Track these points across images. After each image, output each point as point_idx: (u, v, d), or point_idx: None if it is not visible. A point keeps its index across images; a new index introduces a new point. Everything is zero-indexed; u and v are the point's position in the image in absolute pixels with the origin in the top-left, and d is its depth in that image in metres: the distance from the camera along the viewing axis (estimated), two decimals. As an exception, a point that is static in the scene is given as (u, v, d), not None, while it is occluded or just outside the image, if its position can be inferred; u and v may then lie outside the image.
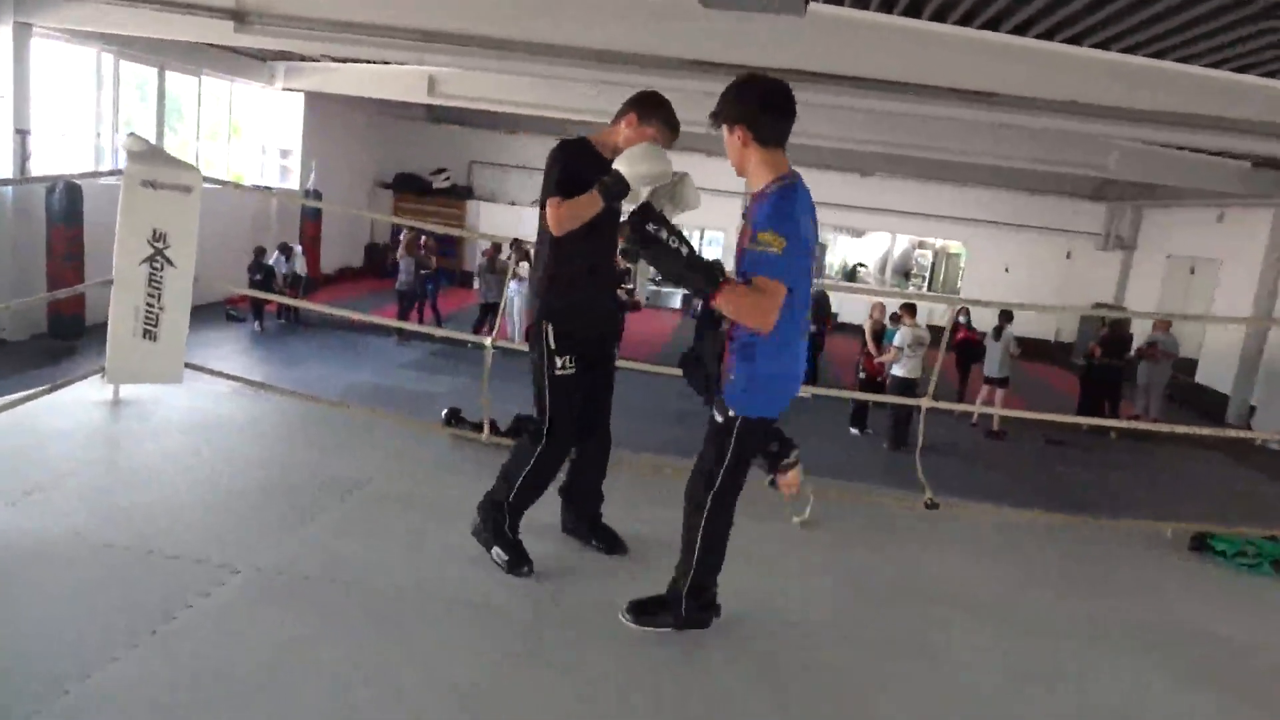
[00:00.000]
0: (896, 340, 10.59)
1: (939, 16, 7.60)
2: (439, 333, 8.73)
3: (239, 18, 8.82)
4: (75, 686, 2.36)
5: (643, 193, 2.90)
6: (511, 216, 19.45)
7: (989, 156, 13.66)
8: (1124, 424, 10.03)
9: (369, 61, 14.02)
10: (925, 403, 4.45)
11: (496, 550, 3.21)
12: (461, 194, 20.88)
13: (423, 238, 14.28)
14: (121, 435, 4.40)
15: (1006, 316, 12.09)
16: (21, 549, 3.07)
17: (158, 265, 4.44)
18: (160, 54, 12.92)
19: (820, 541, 4.00)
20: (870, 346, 11.30)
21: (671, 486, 4.20)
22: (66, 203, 10.72)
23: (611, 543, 3.51)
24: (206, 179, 4.70)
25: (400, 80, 14.48)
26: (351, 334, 13.69)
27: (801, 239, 2.56)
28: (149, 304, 4.46)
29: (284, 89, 15.83)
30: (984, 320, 13.72)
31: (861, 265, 22.62)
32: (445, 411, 4.90)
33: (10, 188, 10.79)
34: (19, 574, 2.92)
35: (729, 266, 2.70)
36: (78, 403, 4.59)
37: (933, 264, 22.54)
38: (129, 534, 3.24)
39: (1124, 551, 4.44)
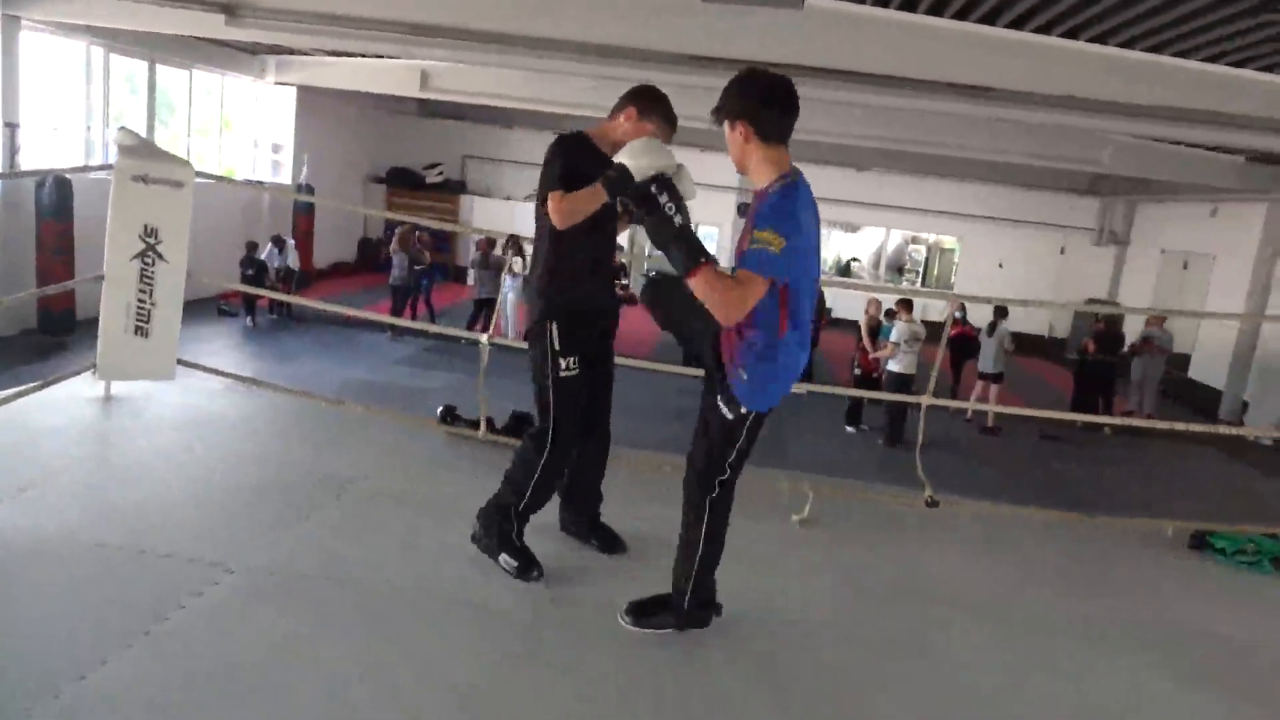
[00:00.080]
0: (893, 336, 10.58)
1: (936, 10, 7.58)
2: (434, 329, 8.68)
3: (230, 11, 8.73)
4: (69, 687, 2.32)
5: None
6: (505, 211, 19.40)
7: (985, 151, 13.64)
8: (1120, 420, 10.03)
9: (361, 55, 13.93)
10: (926, 400, 4.42)
11: (504, 557, 3.16)
12: (455, 189, 20.81)
13: (417, 232, 14.21)
14: (113, 432, 4.36)
15: (1001, 312, 12.10)
16: (14, 548, 3.03)
17: (149, 261, 4.39)
18: (150, 47, 12.82)
19: (819, 540, 3.97)
20: (866, 342, 11.29)
21: (670, 484, 4.16)
22: (56, 197, 10.63)
23: (610, 542, 3.47)
24: (198, 174, 4.65)
25: (393, 74, 14.39)
26: (345, 329, 13.62)
27: (803, 237, 2.53)
28: (141, 300, 4.41)
29: (276, 83, 15.73)
30: (977, 316, 13.72)
31: (855, 260, 22.62)
32: (441, 409, 4.85)
33: (-1, 182, 10.72)
34: (11, 573, 2.88)
35: (725, 265, 2.66)
36: (69, 399, 4.54)
37: (926, 259, 22.54)
38: (121, 532, 3.20)
39: (1123, 550, 4.43)
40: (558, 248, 3.08)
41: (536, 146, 17.19)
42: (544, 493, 3.21)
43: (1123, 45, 7.70)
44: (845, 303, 17.32)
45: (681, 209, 2.57)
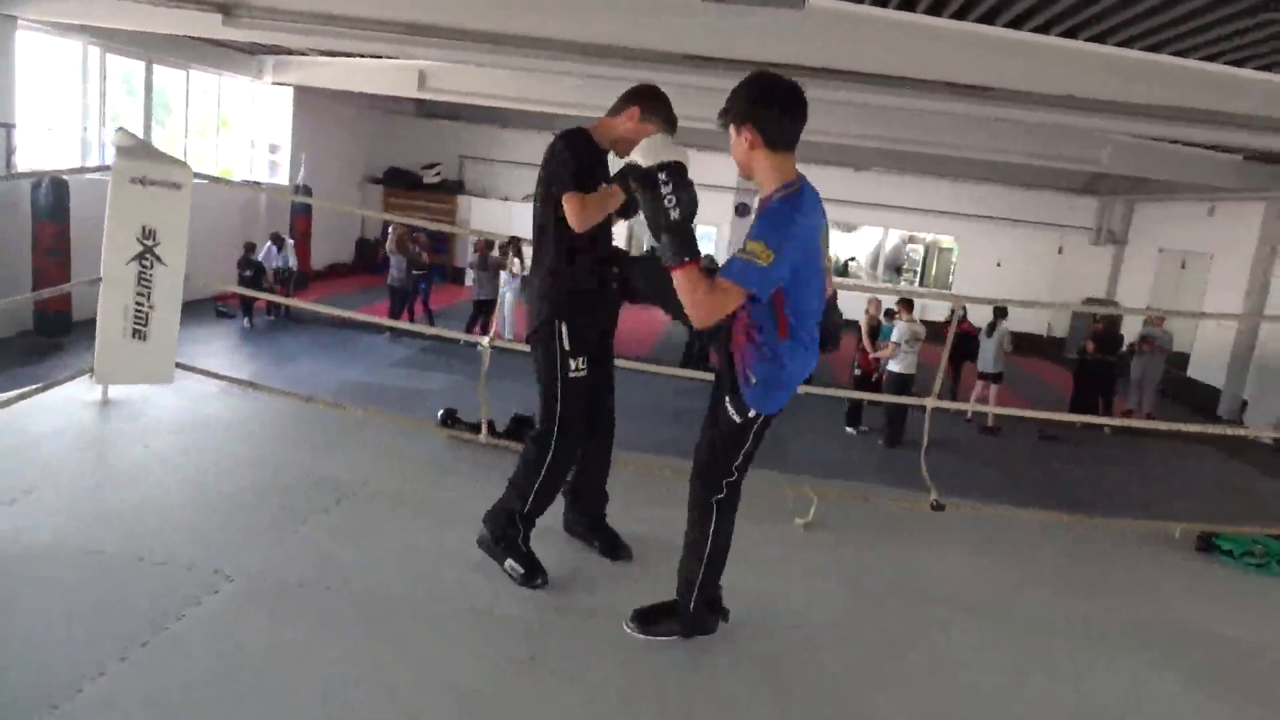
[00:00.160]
0: (894, 336, 10.56)
1: (935, 10, 7.56)
2: (434, 332, 8.62)
3: (227, 11, 8.69)
4: (64, 703, 2.28)
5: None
6: (503, 212, 19.35)
7: (983, 151, 13.63)
8: (1121, 422, 10.02)
9: (358, 55, 13.89)
10: (930, 402, 4.40)
11: (510, 563, 3.13)
12: (452, 189, 20.76)
13: (415, 233, 14.17)
14: (111, 436, 4.32)
15: (1001, 312, 12.09)
16: (9, 554, 3.00)
17: (147, 263, 4.36)
18: (147, 47, 12.77)
19: (823, 543, 3.95)
20: (866, 343, 11.26)
21: (671, 487, 4.15)
22: (52, 198, 10.58)
23: (612, 547, 3.45)
24: (195, 175, 4.61)
25: (390, 74, 14.35)
26: (343, 330, 13.58)
27: (800, 247, 2.49)
28: (138, 303, 4.38)
29: (273, 83, 15.68)
30: (976, 315, 13.70)
31: (853, 260, 22.60)
32: (441, 412, 4.82)
33: (-5, 183, 10.66)
34: (7, 580, 2.84)
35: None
36: (66, 403, 4.50)
37: (924, 259, 22.53)
38: (119, 539, 3.17)
39: (1127, 551, 4.42)
40: (563, 248, 3.05)
41: (533, 146, 17.20)
42: (549, 495, 3.18)
43: (1121, 44, 7.68)
44: (844, 303, 17.24)
45: (682, 202, 2.53)
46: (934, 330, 11.61)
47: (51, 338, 10.70)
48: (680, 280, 2.48)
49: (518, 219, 16.63)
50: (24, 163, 10.80)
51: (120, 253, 4.34)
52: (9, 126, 10.56)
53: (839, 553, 3.89)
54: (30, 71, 11.05)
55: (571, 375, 3.08)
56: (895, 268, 22.57)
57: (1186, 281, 17.00)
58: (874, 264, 22.42)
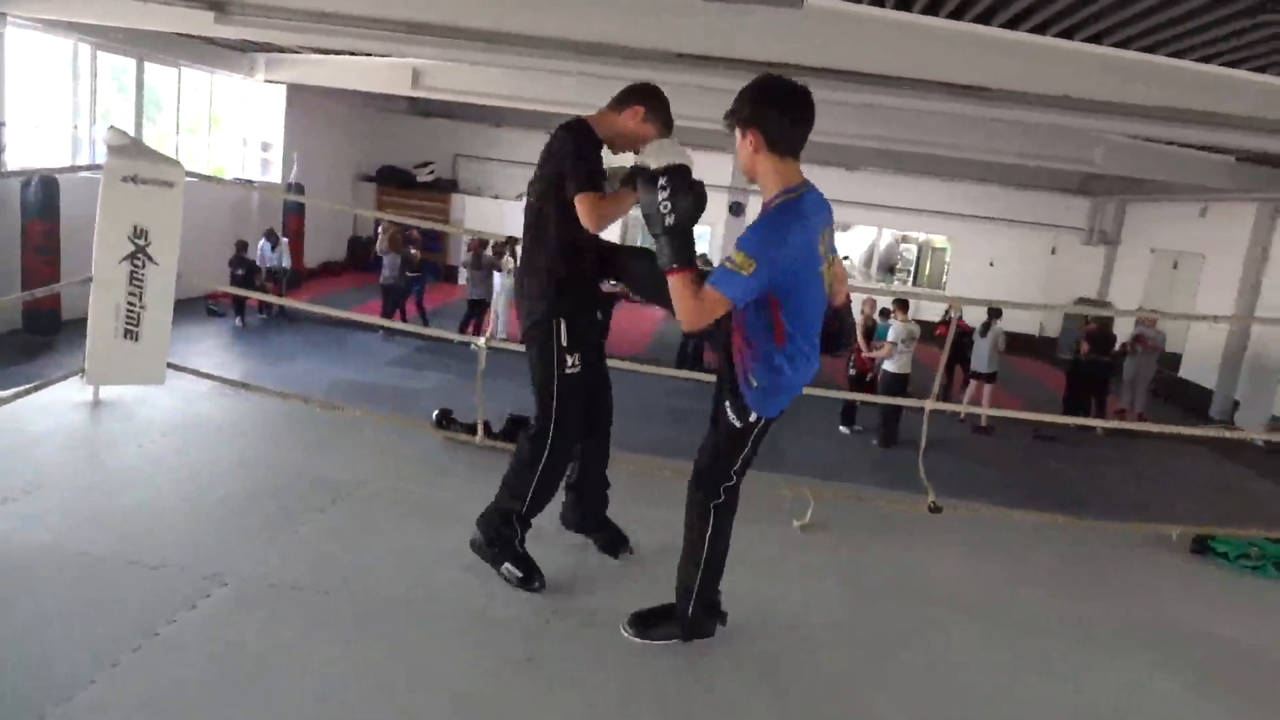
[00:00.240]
0: (890, 335, 10.56)
1: (931, 10, 7.55)
2: (427, 331, 8.58)
3: (219, 8, 8.65)
4: (57, 707, 2.25)
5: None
6: (497, 210, 19.31)
7: (978, 151, 13.64)
8: (1117, 424, 10.04)
9: (351, 53, 13.83)
10: (929, 404, 4.38)
11: (507, 566, 3.10)
12: (446, 187, 20.69)
13: (410, 230, 14.10)
14: (102, 438, 4.27)
15: (995, 312, 12.11)
16: (1, 558, 2.95)
17: (139, 263, 4.31)
18: (139, 45, 12.69)
19: (820, 544, 3.94)
20: (861, 342, 11.26)
21: (667, 488, 4.13)
22: (42, 196, 10.51)
23: (615, 541, 3.42)
24: (188, 173, 4.57)
25: (384, 72, 14.29)
26: (336, 329, 13.52)
27: (791, 255, 2.45)
28: (130, 303, 4.33)
29: (265, 81, 15.61)
30: (969, 315, 13.72)
31: (846, 259, 22.61)
32: (436, 413, 4.79)
33: (-16, 180, 10.58)
34: (-4, 586, 2.80)
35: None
36: (57, 404, 4.46)
37: (918, 258, 22.55)
38: (112, 541, 3.13)
39: (1124, 552, 4.41)
40: (563, 247, 3.02)
41: (527, 145, 17.14)
42: (545, 495, 3.15)
43: (1118, 45, 7.68)
44: (838, 302, 17.20)
45: (679, 208, 2.51)
46: (926, 330, 11.62)
47: (41, 336, 10.62)
48: (672, 285, 2.50)
49: (511, 218, 16.57)
50: (13, 161, 10.72)
51: (112, 252, 4.29)
52: (-1, 124, 10.49)
53: (836, 554, 3.88)
54: (20, 69, 10.97)
55: (568, 372, 3.06)
56: (889, 267, 22.59)
57: (1179, 282, 17.05)
58: (867, 264, 22.43)
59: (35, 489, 3.49)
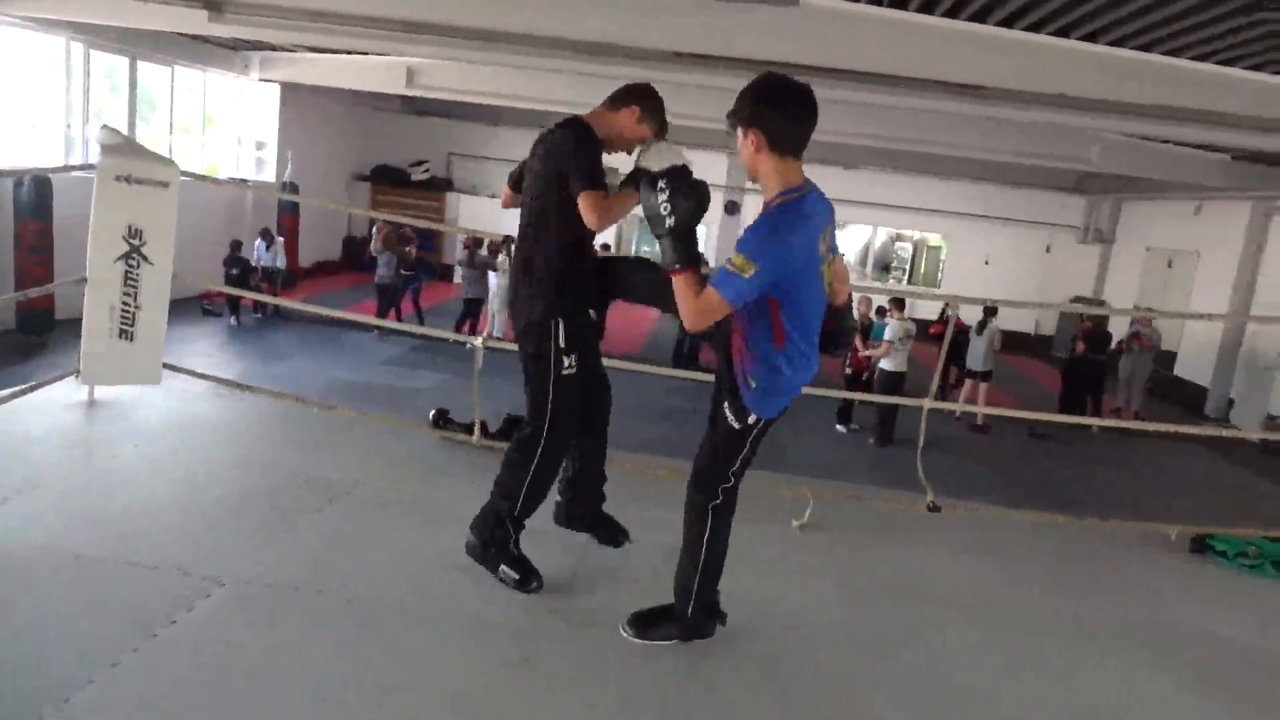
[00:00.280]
0: (887, 334, 10.57)
1: (928, 8, 7.54)
2: (422, 331, 8.56)
3: (213, 7, 8.59)
4: (53, 712, 2.23)
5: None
6: (492, 209, 19.24)
7: (973, 150, 13.63)
8: (1113, 423, 10.05)
9: (346, 52, 13.78)
10: (928, 403, 4.38)
11: (504, 569, 3.08)
12: (440, 186, 20.64)
13: (404, 228, 14.06)
14: (98, 438, 4.25)
15: (991, 311, 12.12)
16: (-5, 559, 2.94)
17: (134, 263, 4.29)
18: (131, 43, 12.63)
19: (819, 544, 3.93)
20: (857, 341, 11.26)
21: (661, 486, 4.13)
22: (35, 196, 10.46)
23: (614, 534, 3.41)
24: (182, 173, 4.54)
25: (378, 71, 14.24)
26: (331, 328, 13.48)
27: (793, 258, 2.45)
28: (125, 303, 4.31)
29: (259, 79, 15.55)
30: (965, 314, 13.73)
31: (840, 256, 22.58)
32: (433, 413, 4.78)
33: (-23, 180, 10.52)
34: (-8, 589, 2.78)
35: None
36: (52, 405, 4.43)
37: (913, 257, 22.56)
38: (109, 544, 3.11)
39: (1123, 551, 4.42)
40: (563, 246, 3.00)
41: (523, 144, 17.05)
42: (538, 496, 3.13)
43: (1113, 43, 7.68)
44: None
45: (679, 209, 2.51)
46: (921, 329, 11.63)
47: (34, 336, 10.58)
48: (676, 285, 2.51)
49: (506, 217, 16.46)
50: (6, 160, 10.67)
51: (106, 252, 4.27)
52: (-9, 123, 10.44)
53: (835, 554, 3.88)
54: (12, 67, 10.91)
55: (564, 373, 3.05)
56: (883, 266, 22.60)
57: (1173, 280, 17.09)
58: (863, 262, 22.44)
59: (31, 489, 3.48)
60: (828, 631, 3.19)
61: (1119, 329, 13.70)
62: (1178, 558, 4.36)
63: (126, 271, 4.30)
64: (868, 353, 10.97)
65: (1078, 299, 19.49)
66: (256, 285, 13.46)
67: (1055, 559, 4.23)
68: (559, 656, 2.78)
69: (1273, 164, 12.85)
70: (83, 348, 4.37)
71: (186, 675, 2.45)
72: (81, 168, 5.08)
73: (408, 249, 14.09)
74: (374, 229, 14.16)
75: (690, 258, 2.49)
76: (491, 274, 13.10)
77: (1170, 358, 15.65)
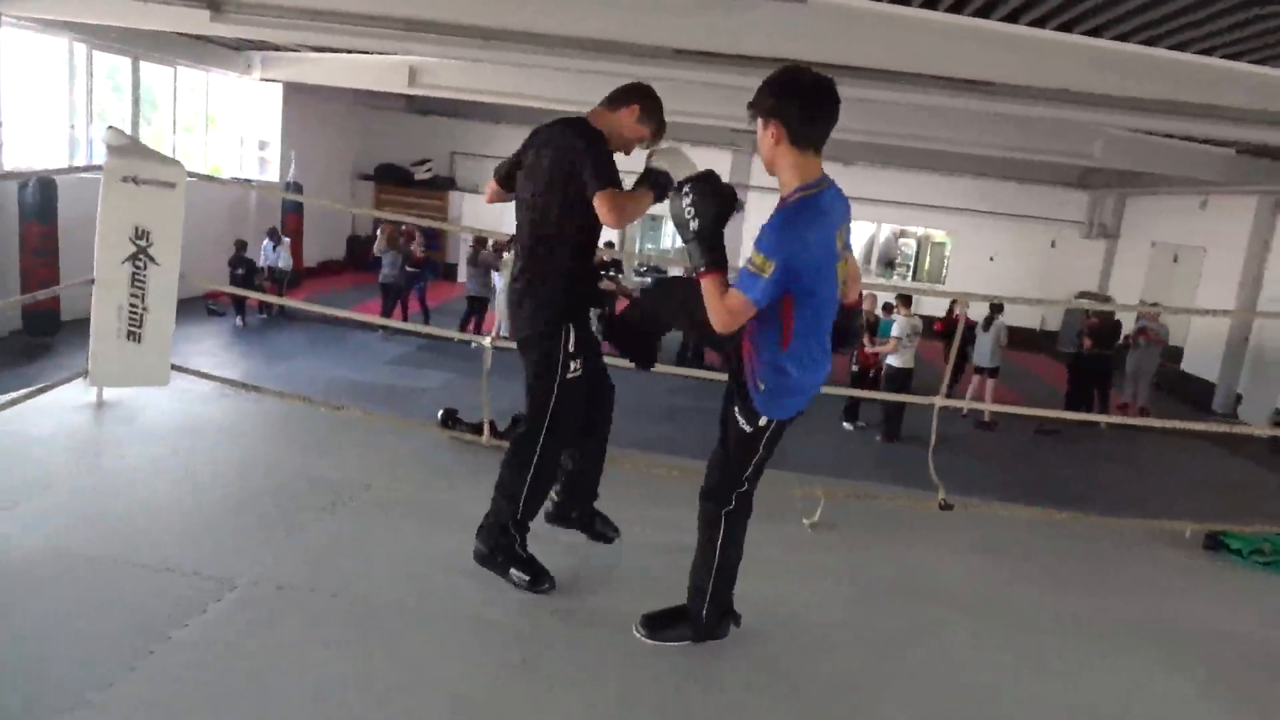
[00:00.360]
0: (895, 331, 10.54)
1: (932, 4, 7.52)
2: (427, 330, 8.54)
3: (215, 7, 8.59)
4: (69, 715, 2.22)
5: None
6: (495, 208, 19.20)
7: (977, 146, 13.60)
8: (1121, 420, 10.00)
9: (348, 51, 13.77)
10: (939, 401, 4.37)
11: (514, 572, 3.07)
12: (444, 185, 20.62)
13: (404, 227, 14.05)
14: (107, 440, 4.26)
15: (997, 307, 12.09)
16: (9, 561, 2.93)
17: (141, 264, 4.28)
18: (134, 44, 12.62)
19: (830, 543, 3.92)
20: (864, 338, 11.24)
21: (664, 485, 4.13)
22: (40, 198, 10.45)
23: (604, 529, 3.40)
24: (188, 173, 4.53)
25: (381, 70, 14.22)
26: (336, 328, 13.46)
27: (808, 254, 2.42)
28: (132, 304, 4.31)
29: (261, 79, 15.54)
30: (969, 309, 13.70)
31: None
32: (441, 412, 4.77)
33: (-19, 182, 10.52)
34: (3, 591, 2.77)
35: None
36: (60, 406, 4.44)
37: (917, 253, 22.51)
38: (119, 546, 3.11)
39: (1136, 549, 4.40)
40: (573, 248, 2.99)
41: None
42: (539, 497, 3.13)
43: (1118, 38, 7.65)
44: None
45: (703, 213, 2.49)
46: (926, 325, 11.60)
47: (40, 337, 10.58)
48: (704, 289, 2.49)
49: (509, 215, 16.42)
50: (10, 162, 10.67)
51: (113, 253, 4.26)
52: (-5, 124, 10.44)
53: (845, 552, 3.86)
54: (15, 69, 10.91)
55: (569, 377, 3.04)
56: (888, 262, 22.55)
57: (1179, 275, 17.03)
58: (867, 259, 22.38)
59: (41, 491, 3.48)
60: (836, 631, 3.18)
61: (1126, 324, 13.65)
62: (1190, 555, 4.34)
63: (134, 272, 4.29)
64: (875, 349, 10.95)
65: (1083, 295, 19.44)
66: (261, 285, 13.46)
67: (1065, 557, 4.21)
68: (560, 657, 2.76)
69: (1278, 158, 12.80)
70: (91, 349, 4.36)
71: (203, 678, 2.44)
72: (87, 169, 5.07)
73: (412, 247, 14.07)
74: (379, 231, 14.16)
75: (715, 260, 2.47)
76: (494, 273, 13.09)
77: (1177, 353, 15.60)
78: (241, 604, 2.83)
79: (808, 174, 2.49)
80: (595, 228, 2.94)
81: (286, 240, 14.69)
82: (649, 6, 7.74)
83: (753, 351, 2.59)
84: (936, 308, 15.76)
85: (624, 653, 2.80)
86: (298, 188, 15.60)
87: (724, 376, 2.85)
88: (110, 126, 4.51)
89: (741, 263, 2.51)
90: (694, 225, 2.49)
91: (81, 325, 4.41)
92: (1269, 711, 3.08)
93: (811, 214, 2.44)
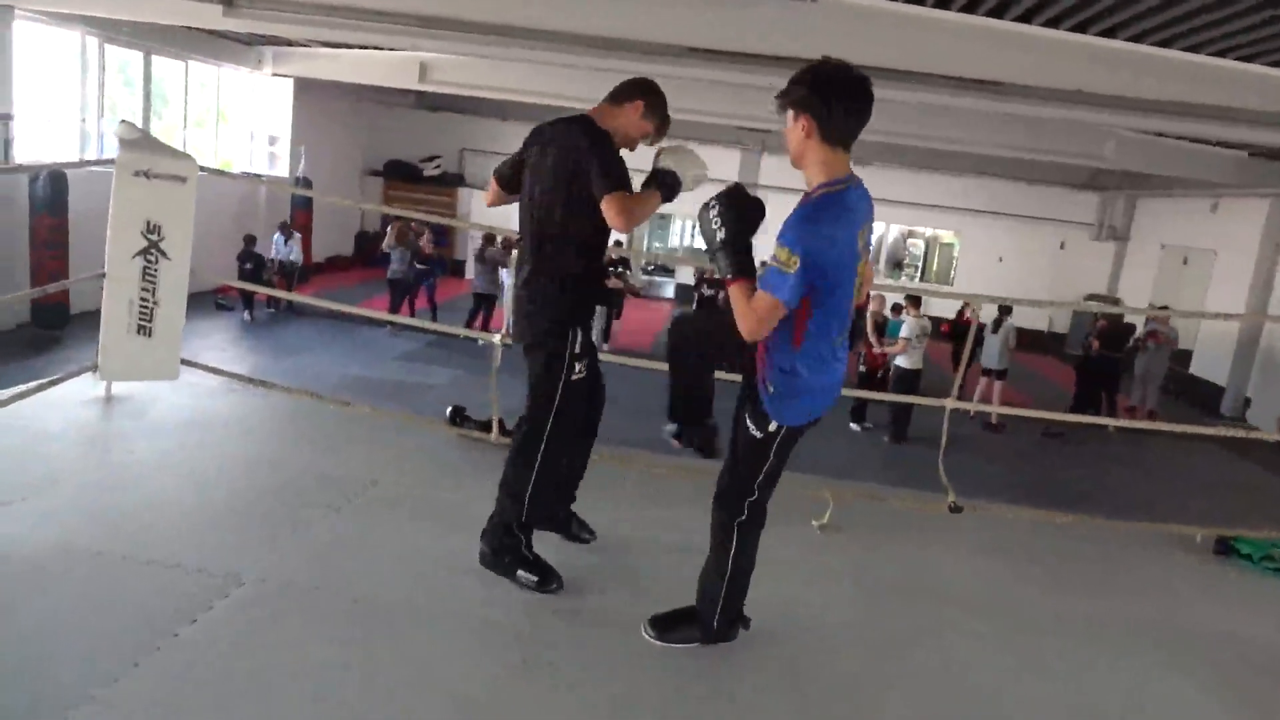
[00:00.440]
0: (904, 332, 10.51)
1: (944, 4, 7.49)
2: (434, 327, 8.52)
3: (228, 1, 8.60)
4: (76, 711, 2.23)
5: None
6: (503, 206, 19.21)
7: (988, 146, 13.54)
8: (1130, 423, 9.96)
9: (360, 47, 13.78)
10: (950, 403, 4.35)
11: (522, 574, 3.06)
12: (453, 181, 20.65)
13: (413, 224, 14.06)
14: (115, 435, 4.26)
15: (1006, 309, 12.05)
16: (18, 556, 2.94)
17: (152, 258, 4.29)
18: (146, 38, 12.66)
19: (839, 545, 3.91)
20: (872, 338, 11.22)
21: (668, 486, 4.13)
22: (50, 191, 10.49)
23: (580, 528, 3.40)
24: (200, 168, 4.54)
25: (391, 66, 14.24)
26: (344, 324, 13.47)
27: (830, 251, 2.37)
28: (143, 299, 4.32)
29: (272, 74, 15.57)
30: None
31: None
32: (450, 410, 4.76)
33: (-8, 174, 10.55)
34: (11, 587, 2.77)
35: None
36: (70, 400, 4.45)
37: (925, 253, 22.46)
38: (127, 542, 3.11)
39: (1145, 553, 4.38)
40: (581, 250, 2.98)
41: (535, 139, 17.02)
42: (543, 498, 3.12)
43: (1132, 39, 7.61)
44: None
45: (729, 222, 2.47)
46: (935, 326, 11.58)
47: (49, 330, 10.63)
48: (731, 296, 2.46)
49: (517, 212, 16.40)
50: (22, 155, 10.71)
51: (125, 247, 4.27)
52: (7, 118, 10.47)
53: (855, 554, 3.85)
54: (28, 62, 10.95)
55: (574, 378, 3.04)
56: (896, 263, 22.52)
57: (1189, 278, 16.95)
58: (874, 259, 22.35)
59: (50, 485, 3.48)
60: (843, 632, 3.17)
61: (1135, 327, 13.59)
62: (1198, 559, 4.32)
63: (145, 267, 4.30)
64: (884, 350, 10.92)
65: (1091, 297, 19.37)
66: (269, 279, 13.48)
67: (1073, 560, 4.19)
68: (564, 657, 2.76)
69: (1291, 161, 12.74)
70: (101, 343, 4.37)
71: (209, 676, 2.44)
72: (99, 163, 5.08)
73: (422, 243, 14.07)
74: (389, 228, 14.17)
75: (741, 267, 2.45)
76: (503, 270, 13.09)
77: (1186, 356, 15.53)
78: (247, 602, 2.83)
79: (835, 171, 2.44)
80: (603, 229, 2.93)
81: (298, 235, 14.71)
82: (659, 3, 7.72)
83: (764, 352, 2.56)
84: (944, 309, 15.72)
85: (629, 653, 2.79)
86: (307, 183, 15.62)
87: (729, 376, 2.84)
88: (123, 120, 4.52)
89: (758, 265, 2.48)
90: (721, 235, 2.47)
91: (90, 318, 4.42)
92: (1274, 716, 3.07)
93: (837, 210, 2.40)
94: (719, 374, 2.91)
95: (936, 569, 3.84)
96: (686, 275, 20.18)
